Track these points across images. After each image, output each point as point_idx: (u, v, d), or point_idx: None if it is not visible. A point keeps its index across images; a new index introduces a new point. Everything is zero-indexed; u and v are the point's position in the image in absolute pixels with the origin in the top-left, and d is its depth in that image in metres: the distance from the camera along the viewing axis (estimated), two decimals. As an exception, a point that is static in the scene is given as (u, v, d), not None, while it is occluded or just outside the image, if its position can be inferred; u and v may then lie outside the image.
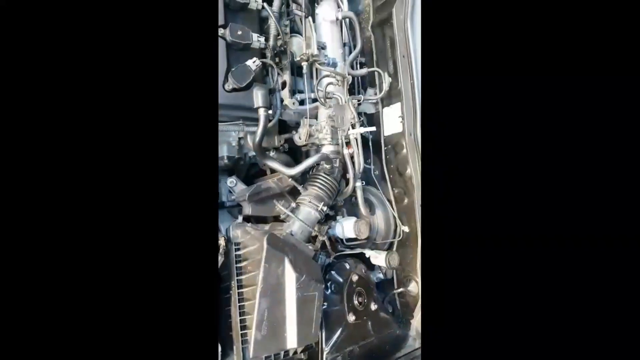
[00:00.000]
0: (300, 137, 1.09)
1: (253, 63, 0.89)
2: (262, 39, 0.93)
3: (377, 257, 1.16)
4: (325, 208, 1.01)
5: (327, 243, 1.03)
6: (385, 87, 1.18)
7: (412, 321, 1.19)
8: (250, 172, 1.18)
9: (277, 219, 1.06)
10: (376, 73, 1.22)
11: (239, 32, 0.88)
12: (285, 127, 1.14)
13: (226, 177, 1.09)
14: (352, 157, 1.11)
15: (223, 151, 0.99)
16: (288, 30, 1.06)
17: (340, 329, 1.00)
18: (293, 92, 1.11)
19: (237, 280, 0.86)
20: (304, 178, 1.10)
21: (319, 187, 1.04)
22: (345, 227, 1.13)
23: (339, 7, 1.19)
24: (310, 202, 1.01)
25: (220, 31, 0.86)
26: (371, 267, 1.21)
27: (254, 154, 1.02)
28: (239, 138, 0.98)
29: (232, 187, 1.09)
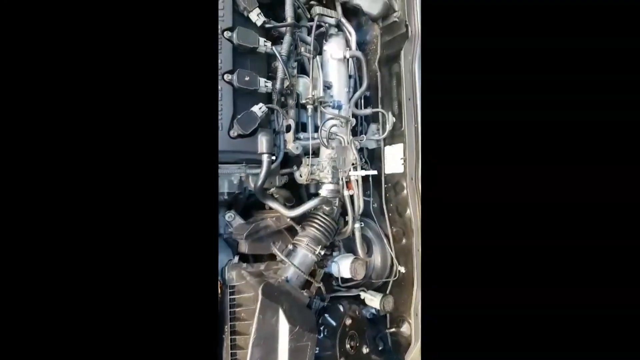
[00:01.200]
0: (301, 176, 1.09)
1: (259, 109, 0.89)
2: (269, 84, 0.93)
3: (372, 300, 1.17)
4: (322, 252, 1.01)
5: (323, 289, 1.03)
6: (389, 127, 1.19)
7: (405, 361, 1.19)
8: (250, 201, 1.18)
9: (273, 257, 1.06)
10: (380, 113, 1.22)
11: (247, 78, 0.88)
12: (287, 160, 1.14)
13: (224, 211, 1.09)
14: (352, 199, 1.11)
15: (224, 187, 0.99)
16: (295, 72, 1.06)
17: (331, 374, 1.00)
18: (297, 127, 1.11)
19: (230, 325, 0.86)
20: (303, 216, 1.10)
21: (317, 229, 1.04)
22: (342, 267, 1.13)
23: (347, 45, 1.20)
24: (307, 244, 1.01)
25: (228, 77, 0.87)
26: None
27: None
28: (240, 177, 0.98)
29: (230, 221, 1.09)
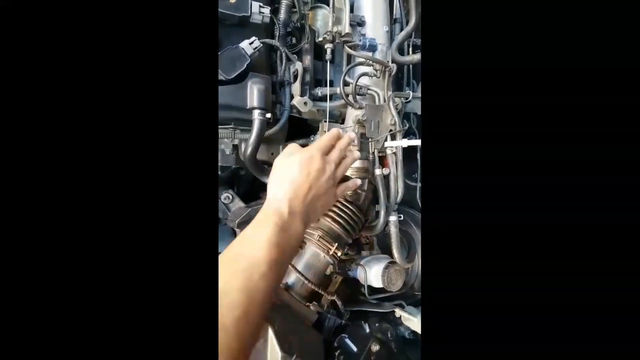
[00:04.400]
0: (317, 147, 0.81)
1: (250, 45, 0.62)
2: (267, 11, 0.65)
3: (411, 319, 0.84)
4: (339, 253, 0.72)
5: (339, 302, 0.74)
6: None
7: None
8: (256, 180, 0.94)
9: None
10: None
11: (232, 0, 0.61)
12: (306, 127, 0.86)
13: (223, 190, 0.87)
14: (387, 180, 0.79)
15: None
16: (310, -4, 0.76)
17: (347, 420, 0.72)
18: (316, 83, 0.82)
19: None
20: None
21: (335, 220, 0.75)
22: (371, 273, 0.83)
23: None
24: (320, 239, 0.73)
25: (206, -2, 0.61)
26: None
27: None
28: (233, 145, 0.74)
29: (227, 203, 0.87)
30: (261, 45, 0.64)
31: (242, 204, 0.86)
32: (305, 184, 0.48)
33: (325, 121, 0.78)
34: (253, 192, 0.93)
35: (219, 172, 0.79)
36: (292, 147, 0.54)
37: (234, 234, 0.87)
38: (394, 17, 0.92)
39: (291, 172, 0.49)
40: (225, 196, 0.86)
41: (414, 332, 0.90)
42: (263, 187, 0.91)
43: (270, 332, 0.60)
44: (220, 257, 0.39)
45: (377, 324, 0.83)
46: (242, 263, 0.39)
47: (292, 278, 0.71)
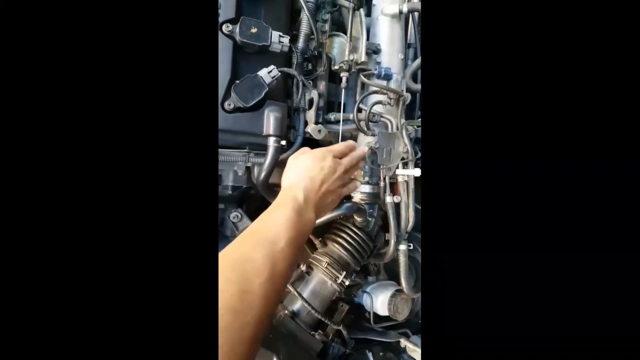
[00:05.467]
0: (328, 172, 0.81)
1: (268, 74, 0.64)
2: (286, 40, 0.66)
3: (417, 351, 0.82)
4: (347, 281, 0.71)
5: (344, 332, 0.73)
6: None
7: None
8: (265, 200, 0.95)
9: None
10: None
11: (254, 30, 0.63)
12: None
13: (232, 209, 0.88)
14: (397, 208, 0.79)
15: (228, 180, 0.77)
16: (327, 27, 0.78)
17: None
18: (331, 107, 0.83)
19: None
20: (326, 227, 0.82)
21: (343, 246, 0.74)
22: (377, 300, 0.82)
23: (405, -4, 0.86)
24: (327, 267, 0.72)
25: (228, 27, 0.63)
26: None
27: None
28: (246, 167, 0.75)
29: (236, 222, 0.87)
30: (279, 74, 0.65)
31: (249, 222, 0.86)
32: (318, 177, 0.51)
33: (338, 147, 0.78)
34: (261, 211, 0.93)
35: (230, 192, 0.79)
36: (306, 148, 0.57)
37: None
38: (408, 41, 0.93)
39: (306, 165, 0.52)
40: (234, 215, 0.87)
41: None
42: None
43: (275, 363, 0.59)
44: (242, 234, 0.42)
45: (381, 354, 0.81)
46: (264, 235, 0.41)
47: (297, 305, 0.70)
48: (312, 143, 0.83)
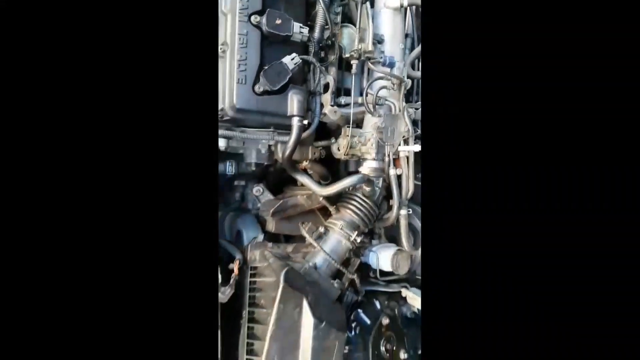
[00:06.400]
0: (339, 149, 0.92)
1: (291, 60, 0.73)
2: (305, 31, 0.76)
3: (416, 299, 0.98)
4: (359, 239, 0.85)
5: (357, 281, 0.87)
6: (453, 93, 0.94)
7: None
8: (283, 175, 1.05)
9: (303, 239, 0.93)
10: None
11: (278, 21, 0.72)
12: (324, 131, 0.98)
13: (254, 183, 0.99)
14: (399, 179, 0.92)
15: (251, 157, 0.88)
16: (339, 19, 0.87)
17: (362, 380, 0.86)
18: (339, 92, 0.93)
19: (248, 312, 0.76)
20: (339, 196, 0.94)
21: (354, 212, 0.87)
22: (382, 258, 0.96)
23: (406, -10, 0.96)
24: (341, 229, 0.85)
25: (256, 18, 0.72)
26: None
27: (287, 161, 0.88)
28: (269, 145, 0.85)
29: (258, 195, 0.98)
30: (300, 61, 0.75)
31: (270, 196, 0.97)
32: None
33: (348, 126, 0.90)
34: (280, 185, 1.04)
35: (253, 169, 0.90)
36: None
37: (258, 222, 0.98)
38: (406, 32, 1.03)
39: None
40: (256, 189, 0.98)
41: (414, 313, 1.04)
42: (289, 182, 1.03)
43: (305, 303, 0.72)
44: None
45: (386, 302, 0.96)
46: None
47: (319, 259, 0.83)
48: (324, 124, 0.93)
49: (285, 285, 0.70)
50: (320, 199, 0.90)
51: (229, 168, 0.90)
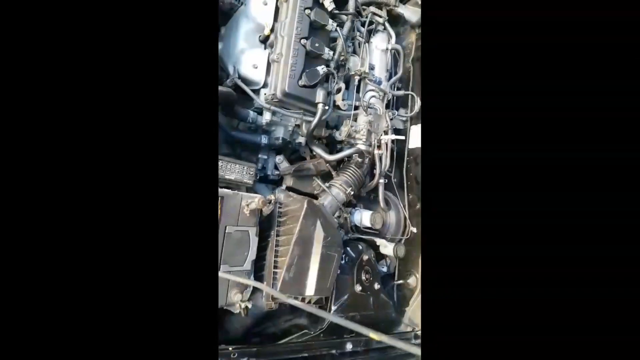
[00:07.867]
0: (340, 134, 1.34)
1: (321, 69, 1.16)
2: (331, 53, 1.21)
3: (386, 247, 1.36)
4: (351, 193, 1.23)
5: (349, 221, 1.24)
6: (417, 108, 1.44)
7: (407, 310, 1.36)
8: (293, 155, 1.42)
9: (310, 195, 1.28)
10: (410, 96, 1.48)
11: (317, 45, 1.16)
12: (328, 126, 1.39)
13: (274, 155, 1.34)
14: (380, 158, 1.35)
15: (279, 133, 1.25)
16: (350, 50, 1.34)
17: (347, 295, 1.18)
18: (343, 99, 1.37)
19: (276, 230, 1.08)
20: (337, 167, 1.34)
21: (349, 176, 1.27)
22: (363, 217, 1.35)
23: (389, 40, 1.49)
24: (340, 185, 1.24)
25: (304, 41, 1.15)
26: (378, 259, 1.40)
27: (299, 142, 1.27)
28: (295, 125, 1.24)
29: (279, 163, 1.34)
30: (327, 70, 1.18)
31: (287, 164, 1.33)
32: None
33: (349, 119, 1.32)
34: (290, 162, 1.40)
35: (280, 142, 1.26)
36: None
37: (270, 190, 1.32)
38: (387, 69, 1.54)
39: None
40: (278, 158, 1.33)
41: (385, 271, 1.42)
42: (297, 160, 1.40)
43: (319, 222, 1.07)
44: None
45: (366, 247, 1.33)
46: None
47: (327, 201, 1.19)
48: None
49: (307, 207, 1.05)
50: (326, 165, 1.29)
51: (263, 139, 1.25)
